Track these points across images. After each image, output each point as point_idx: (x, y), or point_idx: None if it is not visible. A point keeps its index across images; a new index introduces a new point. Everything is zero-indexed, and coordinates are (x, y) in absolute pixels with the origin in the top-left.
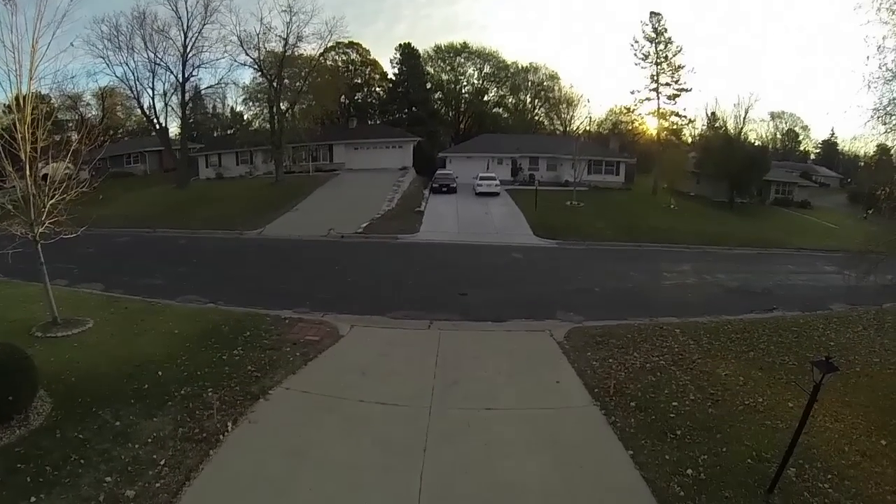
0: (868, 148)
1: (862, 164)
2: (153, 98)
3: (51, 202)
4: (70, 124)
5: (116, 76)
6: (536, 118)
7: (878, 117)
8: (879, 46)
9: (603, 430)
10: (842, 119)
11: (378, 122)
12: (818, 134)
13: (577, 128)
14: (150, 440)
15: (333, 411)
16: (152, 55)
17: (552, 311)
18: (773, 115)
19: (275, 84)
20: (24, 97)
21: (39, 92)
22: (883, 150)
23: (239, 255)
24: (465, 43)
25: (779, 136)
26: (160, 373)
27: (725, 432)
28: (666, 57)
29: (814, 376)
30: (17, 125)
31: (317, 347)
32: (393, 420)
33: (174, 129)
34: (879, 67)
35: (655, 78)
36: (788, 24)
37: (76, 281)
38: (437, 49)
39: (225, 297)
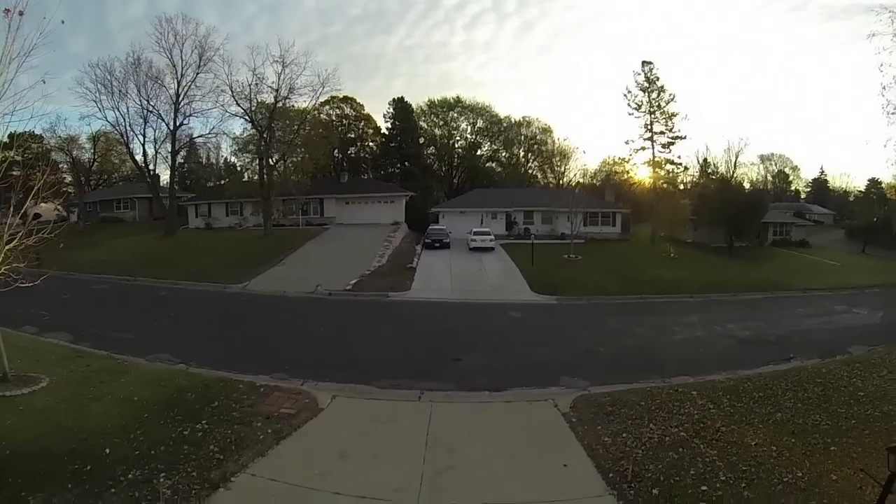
0: (857, 182)
1: (852, 198)
2: (144, 145)
3: (7, 247)
4: (62, 165)
5: (108, 121)
6: (530, 172)
7: None
8: None
9: None
10: (833, 156)
11: (371, 176)
12: (808, 173)
13: (571, 180)
14: None
15: None
16: (145, 102)
17: (555, 377)
18: (763, 158)
19: (265, 135)
20: None
21: (32, 132)
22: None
23: (220, 311)
24: (458, 97)
25: (769, 177)
26: (108, 450)
27: None
28: (659, 105)
29: (889, 464)
30: None
31: (292, 423)
32: None
33: (165, 176)
34: None
35: (649, 127)
36: (775, 67)
37: (45, 329)
38: (431, 104)
39: (198, 356)
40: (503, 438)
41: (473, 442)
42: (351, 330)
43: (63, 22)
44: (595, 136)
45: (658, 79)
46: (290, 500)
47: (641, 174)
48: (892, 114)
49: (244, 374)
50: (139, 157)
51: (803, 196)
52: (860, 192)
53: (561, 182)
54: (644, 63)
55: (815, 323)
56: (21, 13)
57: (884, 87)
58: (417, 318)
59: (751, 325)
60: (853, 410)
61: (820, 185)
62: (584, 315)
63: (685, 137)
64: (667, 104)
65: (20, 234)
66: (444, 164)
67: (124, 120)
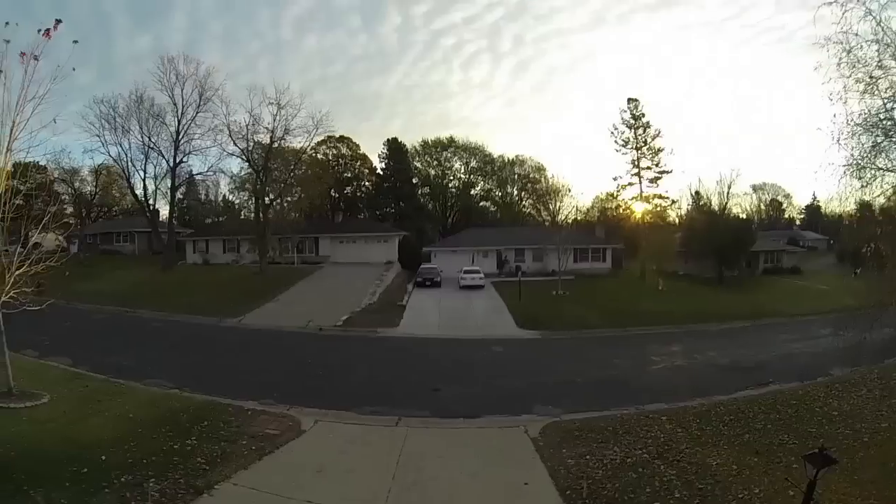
0: (846, 206)
1: (846, 222)
2: (144, 180)
3: (18, 272)
4: (64, 197)
5: (111, 156)
6: (524, 210)
7: (852, 173)
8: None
9: None
10: (818, 180)
11: (367, 215)
12: (801, 199)
13: (567, 217)
14: None
15: None
16: (146, 138)
17: (529, 406)
18: (756, 188)
19: (261, 175)
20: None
21: (37, 163)
22: (864, 205)
23: (215, 343)
24: (451, 138)
25: (763, 206)
26: (104, 457)
27: None
28: (645, 141)
29: (807, 472)
30: None
31: (275, 442)
32: None
33: (164, 211)
34: (847, 123)
35: (636, 162)
36: (760, 96)
37: (46, 353)
38: (425, 144)
39: (192, 383)
40: (471, 459)
41: (442, 462)
42: (338, 363)
43: (74, 69)
44: (589, 173)
45: (643, 115)
46: None
47: (631, 209)
48: (846, 139)
49: (234, 400)
50: (139, 192)
51: (798, 223)
52: (851, 216)
53: (556, 219)
54: (629, 100)
55: (797, 347)
56: (36, 58)
57: (835, 115)
58: (403, 352)
59: (732, 352)
60: (824, 430)
61: (813, 210)
62: (566, 348)
63: (671, 172)
64: (653, 140)
65: (30, 260)
66: (438, 204)
67: (126, 156)
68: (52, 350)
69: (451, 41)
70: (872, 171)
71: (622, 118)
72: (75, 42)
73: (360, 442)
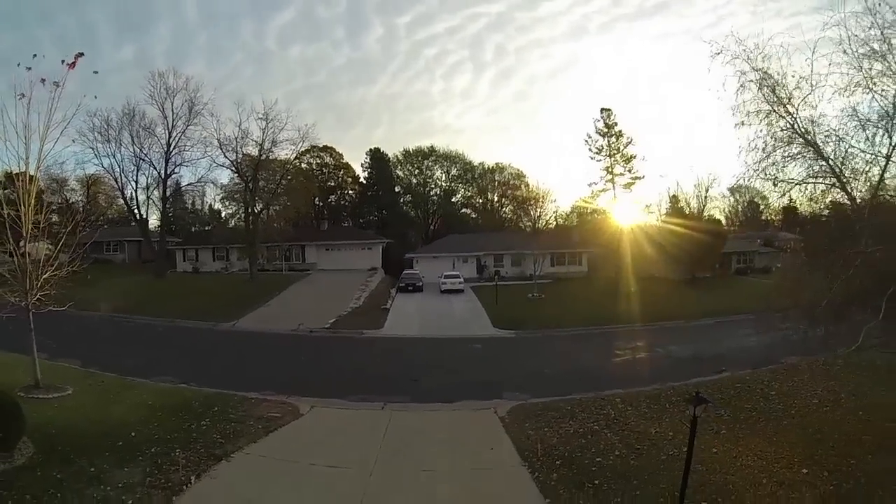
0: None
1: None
2: (136, 190)
3: (44, 276)
4: (53, 207)
5: (103, 167)
6: (505, 216)
7: (766, 176)
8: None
9: (526, 484)
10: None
11: (351, 223)
12: (779, 200)
13: (547, 222)
14: (120, 485)
15: (286, 471)
16: (138, 150)
17: (499, 393)
18: (733, 190)
19: (250, 185)
20: (32, 183)
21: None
22: (836, 205)
23: (213, 344)
24: (432, 147)
25: (740, 208)
26: (133, 434)
27: (643, 479)
28: (618, 149)
29: (689, 411)
30: (22, 206)
31: (278, 423)
32: (338, 478)
33: (154, 221)
34: (767, 130)
35: (610, 169)
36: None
37: (55, 355)
38: (406, 153)
39: (197, 379)
40: (446, 433)
41: (422, 436)
42: (328, 360)
43: (96, 97)
44: (569, 178)
45: (616, 124)
46: (276, 468)
47: (605, 214)
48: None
49: (238, 391)
50: (132, 203)
51: (775, 223)
52: (823, 216)
53: (536, 224)
54: (602, 110)
55: (755, 340)
56: (56, 84)
57: (760, 131)
58: (387, 350)
59: (693, 346)
60: (759, 405)
61: (789, 211)
62: (538, 345)
63: (643, 178)
64: (625, 147)
65: (54, 266)
66: (420, 211)
67: (119, 167)
68: (60, 352)
69: (434, 51)
70: (782, 185)
71: (596, 127)
72: (95, 73)
73: (352, 421)
